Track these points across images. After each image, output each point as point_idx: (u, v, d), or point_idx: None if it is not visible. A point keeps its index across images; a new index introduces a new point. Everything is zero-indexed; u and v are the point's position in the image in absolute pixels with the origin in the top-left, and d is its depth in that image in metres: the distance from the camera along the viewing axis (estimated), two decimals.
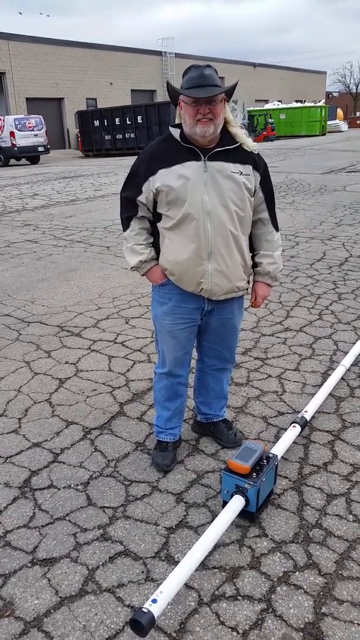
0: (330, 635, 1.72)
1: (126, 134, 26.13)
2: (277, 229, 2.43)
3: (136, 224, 2.33)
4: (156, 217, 2.31)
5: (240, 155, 2.21)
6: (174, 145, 2.20)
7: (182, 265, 2.24)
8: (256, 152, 2.26)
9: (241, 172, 2.20)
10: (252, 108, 36.34)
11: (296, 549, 2.06)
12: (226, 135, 2.21)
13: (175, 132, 2.21)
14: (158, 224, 2.31)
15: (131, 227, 2.34)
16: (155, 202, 2.26)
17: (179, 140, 2.18)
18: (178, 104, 2.19)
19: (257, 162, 2.27)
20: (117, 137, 26.53)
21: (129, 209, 2.32)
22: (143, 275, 2.40)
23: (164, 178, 2.17)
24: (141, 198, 2.25)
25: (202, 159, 2.15)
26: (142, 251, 2.34)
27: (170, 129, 2.24)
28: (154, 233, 2.36)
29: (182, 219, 2.19)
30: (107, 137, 26.91)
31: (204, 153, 2.16)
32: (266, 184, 2.34)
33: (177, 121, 2.25)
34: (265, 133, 30.85)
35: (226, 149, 2.18)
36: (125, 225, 2.36)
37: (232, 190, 2.19)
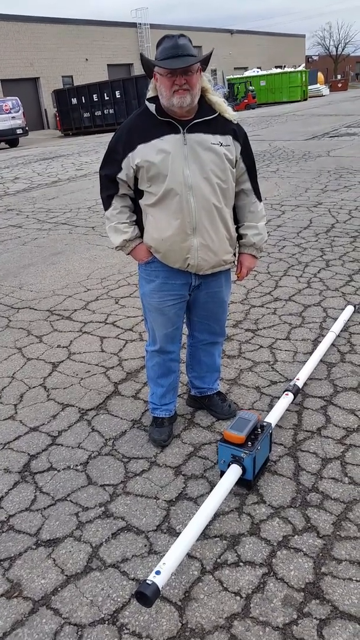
0: (330, 593, 1.78)
1: (105, 110, 25.63)
2: (260, 199, 2.41)
3: (118, 202, 2.30)
4: (138, 194, 2.28)
5: (219, 126, 2.18)
6: (151, 119, 2.15)
7: (167, 242, 2.23)
8: (235, 122, 2.23)
9: (221, 143, 2.17)
10: (231, 76, 35.70)
11: (294, 513, 2.10)
12: (205, 105, 2.17)
13: (151, 106, 2.16)
14: (140, 201, 2.28)
15: (113, 206, 2.31)
16: (136, 179, 2.23)
17: (156, 114, 2.14)
18: (153, 76, 2.15)
19: (237, 132, 2.23)
20: (96, 114, 26.02)
21: (109, 187, 2.29)
22: (128, 254, 2.38)
23: (143, 153, 2.14)
24: (121, 175, 2.22)
25: (181, 131, 2.12)
26: (126, 230, 2.31)
27: (146, 102, 2.20)
28: (137, 210, 2.33)
29: (165, 195, 2.16)
30: (85, 115, 26.39)
31: (183, 125, 2.12)
32: (247, 154, 2.31)
33: (151, 94, 2.20)
34: (246, 101, 30.41)
35: (205, 120, 2.14)
36: (107, 204, 2.33)
37: (213, 162, 2.16)
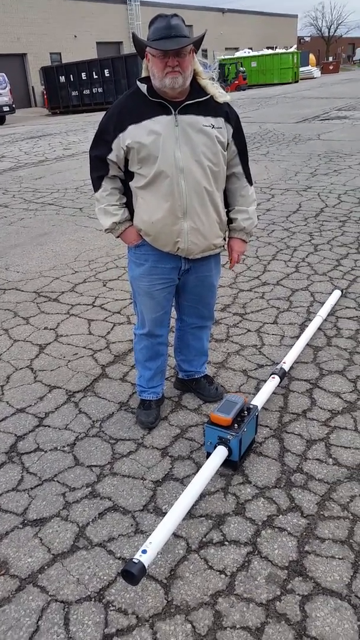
0: (313, 570, 1.82)
1: (93, 89, 25.21)
2: (251, 183, 2.39)
3: (108, 184, 2.28)
4: (128, 176, 2.26)
5: (211, 108, 2.15)
6: (143, 100, 2.12)
7: (157, 225, 2.21)
8: (226, 102, 2.20)
9: (213, 126, 2.15)
10: (222, 57, 35.22)
11: (279, 494, 2.14)
12: (196, 87, 2.14)
13: (143, 87, 2.13)
14: (130, 183, 2.26)
15: (103, 188, 2.28)
16: (126, 160, 2.20)
17: (147, 94, 2.11)
18: (145, 56, 2.11)
19: (229, 115, 2.21)
20: (84, 92, 25.59)
21: (99, 168, 2.26)
22: (118, 237, 2.36)
23: (134, 134, 2.11)
24: (111, 156, 2.19)
25: (173, 113, 2.09)
26: (116, 212, 2.29)
27: (138, 83, 2.16)
28: (127, 193, 2.31)
29: (155, 177, 2.14)
30: (74, 93, 25.94)
31: (174, 107, 2.09)
32: (239, 137, 2.28)
33: (144, 74, 2.17)
34: (237, 82, 30.08)
35: (197, 101, 2.11)
36: (97, 185, 2.30)
37: (204, 144, 2.14)
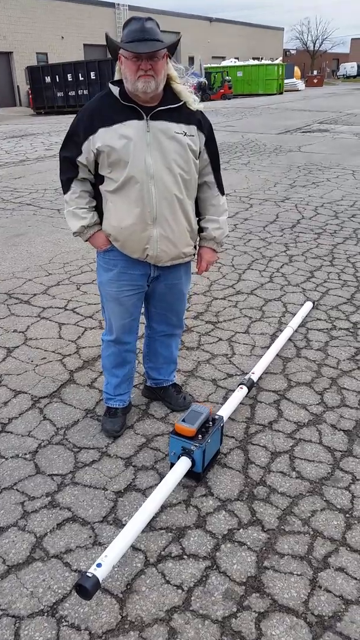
0: (271, 587, 1.80)
1: (79, 91, 25.10)
2: (222, 192, 2.38)
3: (77, 186, 2.24)
4: (98, 179, 2.23)
5: (184, 115, 2.14)
6: (115, 103, 2.10)
7: (126, 230, 2.19)
8: (200, 110, 2.19)
9: (185, 133, 2.13)
10: (208, 65, 35.47)
11: (241, 507, 2.12)
12: (169, 93, 2.12)
13: (115, 90, 2.11)
14: (100, 187, 2.23)
15: (72, 190, 2.25)
16: (96, 163, 2.17)
17: (119, 98, 2.09)
18: (118, 59, 2.09)
19: (201, 123, 2.20)
20: (69, 93, 25.47)
21: (69, 170, 2.23)
22: (86, 240, 2.33)
23: (104, 138, 2.08)
24: (81, 159, 2.16)
25: (145, 118, 2.07)
26: (85, 215, 2.26)
27: (110, 85, 2.14)
28: (97, 196, 2.28)
29: (125, 182, 2.12)
30: (59, 94, 25.81)
31: (146, 112, 2.07)
32: (211, 146, 2.27)
33: (117, 77, 2.15)
34: (222, 91, 30.30)
35: (169, 108, 2.10)
36: (66, 187, 2.26)
37: (176, 152, 2.12)
